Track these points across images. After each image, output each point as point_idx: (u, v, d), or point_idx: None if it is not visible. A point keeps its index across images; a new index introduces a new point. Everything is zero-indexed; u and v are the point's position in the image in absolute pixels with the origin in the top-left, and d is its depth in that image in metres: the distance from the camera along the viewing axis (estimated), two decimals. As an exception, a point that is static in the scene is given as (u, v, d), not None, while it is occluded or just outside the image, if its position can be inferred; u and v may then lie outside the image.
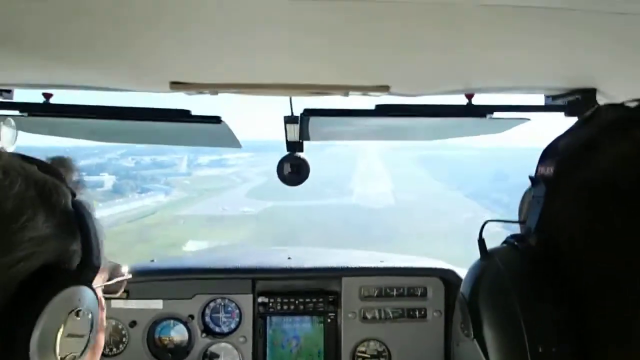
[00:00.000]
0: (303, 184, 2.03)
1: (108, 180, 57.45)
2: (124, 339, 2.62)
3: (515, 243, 0.71)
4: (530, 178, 0.75)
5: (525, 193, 0.81)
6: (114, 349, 2.61)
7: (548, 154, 0.74)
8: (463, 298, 0.78)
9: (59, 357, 0.80)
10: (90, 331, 0.86)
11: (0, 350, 0.75)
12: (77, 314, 0.83)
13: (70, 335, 0.82)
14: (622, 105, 0.71)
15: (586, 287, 0.63)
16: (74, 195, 0.89)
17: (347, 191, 61.54)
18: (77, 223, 0.87)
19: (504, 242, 0.74)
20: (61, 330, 0.80)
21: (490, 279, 0.72)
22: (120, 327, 2.61)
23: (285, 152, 2.04)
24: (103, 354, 2.60)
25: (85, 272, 0.87)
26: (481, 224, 0.82)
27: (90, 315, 0.86)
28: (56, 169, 0.91)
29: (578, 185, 0.67)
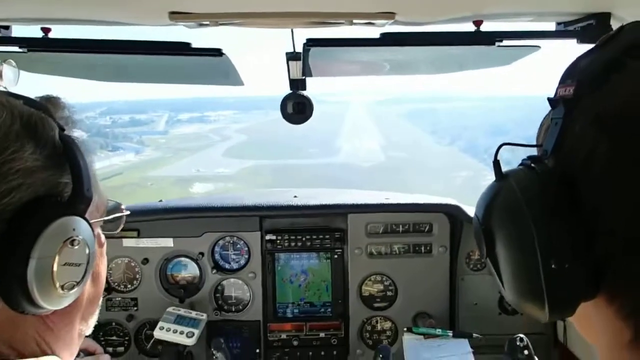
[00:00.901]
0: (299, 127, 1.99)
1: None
2: (137, 276, 2.67)
3: (532, 164, 0.69)
4: (549, 100, 0.73)
5: (544, 119, 0.79)
6: (129, 285, 2.67)
7: (568, 75, 0.71)
8: (477, 219, 0.77)
9: (57, 285, 0.82)
10: (88, 260, 0.88)
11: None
12: (72, 243, 0.84)
13: (67, 264, 0.84)
14: None
15: (600, 207, 0.63)
16: (62, 129, 0.89)
17: (333, 150, 58.09)
18: (66, 156, 0.87)
19: (520, 164, 0.73)
20: (57, 259, 0.82)
21: (504, 199, 0.72)
22: (133, 264, 2.66)
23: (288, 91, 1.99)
24: (118, 291, 2.71)
25: (77, 203, 0.87)
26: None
27: (86, 245, 0.87)
28: (42, 104, 0.90)
29: (599, 106, 0.65)
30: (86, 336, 1.02)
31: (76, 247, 0.85)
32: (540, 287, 0.65)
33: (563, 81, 0.71)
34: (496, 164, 0.75)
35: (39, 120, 0.85)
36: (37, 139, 0.83)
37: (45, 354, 0.88)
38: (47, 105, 0.91)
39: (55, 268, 0.82)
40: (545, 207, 0.65)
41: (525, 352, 2.05)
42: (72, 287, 0.85)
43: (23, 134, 0.82)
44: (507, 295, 0.73)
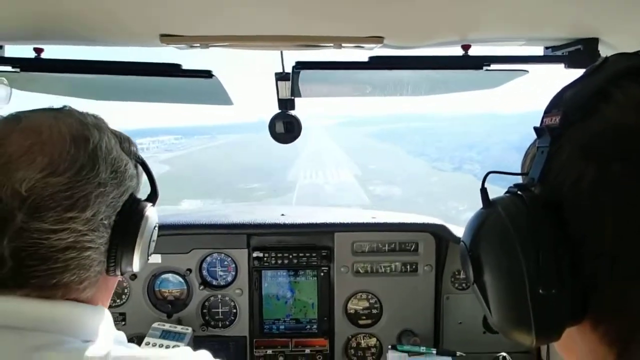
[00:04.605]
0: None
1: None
2: (125, 291, 2.61)
3: (519, 192, 0.68)
4: (535, 129, 0.72)
5: (529, 147, 0.79)
6: (117, 300, 2.60)
7: (554, 105, 0.70)
8: (464, 245, 0.75)
9: (147, 256, 1.11)
10: (155, 238, 1.16)
11: (114, 254, 1.00)
12: (155, 226, 1.13)
13: (153, 241, 1.14)
14: (633, 54, 0.67)
15: (586, 234, 0.62)
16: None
17: (285, 186, 44.05)
18: (143, 165, 1.13)
19: (507, 192, 0.71)
20: (152, 236, 1.12)
21: (492, 226, 0.70)
22: (121, 279, 2.59)
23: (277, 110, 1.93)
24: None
25: (155, 198, 1.16)
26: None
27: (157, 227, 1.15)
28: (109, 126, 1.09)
29: (585, 134, 0.63)
30: None
31: (157, 228, 1.14)
32: (528, 313, 0.64)
33: (549, 110, 0.70)
34: (483, 191, 0.74)
35: (127, 139, 1.10)
36: (130, 154, 1.08)
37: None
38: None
39: (151, 245, 1.12)
40: (533, 234, 0.64)
41: (508, 370, 2.03)
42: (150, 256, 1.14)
43: (126, 150, 1.07)
44: (494, 321, 0.71)
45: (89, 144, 0.96)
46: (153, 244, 1.15)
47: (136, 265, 1.06)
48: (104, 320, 1.01)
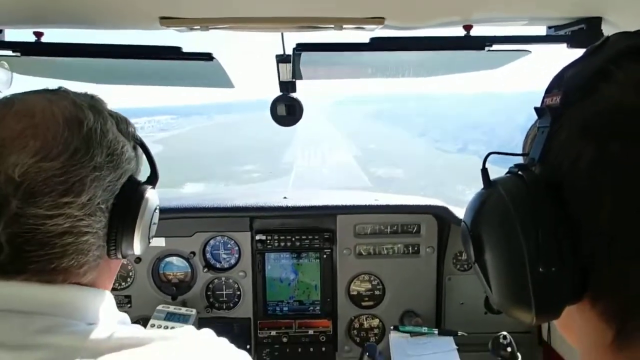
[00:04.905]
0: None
1: None
2: (130, 274, 2.63)
3: (519, 172, 0.69)
4: (536, 109, 0.72)
5: (530, 129, 0.79)
6: (123, 283, 2.62)
7: (555, 84, 0.70)
8: (465, 225, 0.76)
9: (148, 239, 1.11)
10: (157, 221, 1.15)
11: (113, 237, 0.99)
12: (155, 209, 1.12)
13: (154, 224, 1.13)
14: (633, 33, 0.66)
15: (586, 212, 0.63)
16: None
17: (283, 168, 41.50)
18: (143, 147, 1.12)
19: (507, 172, 0.72)
20: (153, 218, 1.11)
21: (493, 205, 0.71)
22: (126, 262, 2.60)
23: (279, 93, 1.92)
24: (112, 288, 2.66)
25: (154, 180, 1.14)
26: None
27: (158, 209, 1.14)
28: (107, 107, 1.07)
29: (585, 114, 0.63)
30: None
31: (157, 210, 1.13)
32: (528, 291, 0.65)
33: (549, 91, 0.70)
34: (484, 172, 0.74)
35: (125, 120, 1.07)
36: (128, 136, 1.06)
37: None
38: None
39: (151, 228, 1.11)
40: (533, 213, 0.64)
41: (509, 349, 2.03)
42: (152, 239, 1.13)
43: (123, 132, 1.04)
44: (494, 300, 0.72)
45: (83, 127, 0.94)
46: (154, 227, 1.13)
47: (137, 248, 1.05)
48: (107, 302, 1.01)
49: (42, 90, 1.01)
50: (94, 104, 1.01)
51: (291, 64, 1.75)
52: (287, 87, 1.92)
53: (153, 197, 1.09)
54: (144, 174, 1.13)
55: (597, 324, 0.65)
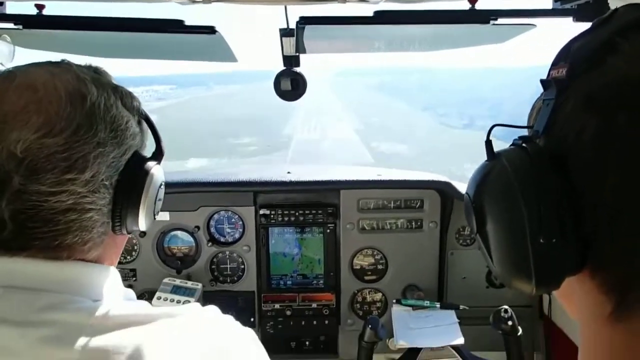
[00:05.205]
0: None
1: None
2: (135, 247, 2.65)
3: (523, 144, 0.68)
4: (542, 81, 0.71)
5: (535, 102, 0.78)
6: (128, 257, 2.64)
7: (561, 57, 0.69)
8: (468, 196, 0.76)
9: (153, 215, 1.09)
10: (162, 197, 1.14)
11: (118, 213, 0.98)
12: (161, 185, 1.11)
13: (159, 200, 1.11)
14: None
15: (588, 184, 0.62)
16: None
17: (281, 141, 39.63)
18: (148, 122, 1.09)
19: (512, 144, 0.71)
20: (158, 194, 1.09)
21: (495, 177, 0.71)
22: (131, 236, 2.64)
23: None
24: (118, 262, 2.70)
25: (160, 156, 1.11)
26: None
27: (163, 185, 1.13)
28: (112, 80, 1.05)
29: (591, 86, 0.62)
30: None
31: (163, 187, 1.12)
32: (528, 262, 0.65)
33: (556, 63, 0.69)
34: (488, 144, 0.74)
35: (129, 94, 1.04)
36: (133, 110, 1.03)
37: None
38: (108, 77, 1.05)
39: (157, 203, 1.09)
40: (535, 185, 0.64)
41: (509, 322, 2.06)
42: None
43: (128, 106, 1.01)
44: (496, 270, 0.72)
45: (86, 101, 0.92)
46: (160, 203, 1.12)
47: (142, 224, 1.04)
48: (112, 279, 1.01)
49: (44, 63, 0.98)
50: (97, 77, 0.99)
51: (295, 38, 1.73)
52: (291, 61, 1.90)
53: (158, 173, 1.07)
54: (149, 149, 1.11)
55: (596, 296, 0.65)
